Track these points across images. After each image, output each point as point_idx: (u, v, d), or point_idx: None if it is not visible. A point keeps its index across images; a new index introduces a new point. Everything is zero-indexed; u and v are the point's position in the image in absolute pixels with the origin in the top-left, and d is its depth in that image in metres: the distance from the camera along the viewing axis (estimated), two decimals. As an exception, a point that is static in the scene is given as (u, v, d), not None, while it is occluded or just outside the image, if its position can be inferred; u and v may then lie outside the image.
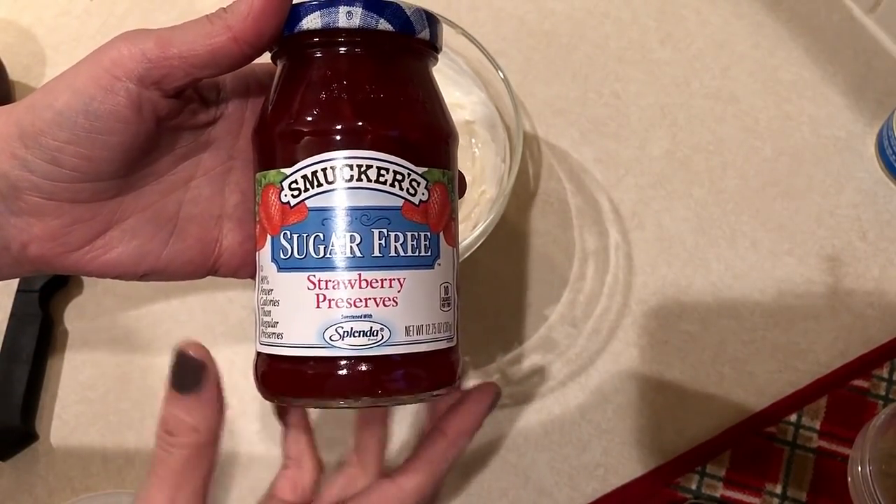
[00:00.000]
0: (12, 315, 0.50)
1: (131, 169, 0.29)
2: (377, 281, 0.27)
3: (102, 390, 0.49)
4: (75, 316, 0.52)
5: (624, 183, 0.55)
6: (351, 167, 0.27)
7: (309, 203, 0.27)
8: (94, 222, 0.29)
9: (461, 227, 0.50)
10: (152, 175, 0.30)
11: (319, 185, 0.27)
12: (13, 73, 0.59)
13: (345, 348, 0.27)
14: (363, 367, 0.27)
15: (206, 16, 0.27)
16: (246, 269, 0.33)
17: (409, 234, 0.27)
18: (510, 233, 0.53)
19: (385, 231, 0.27)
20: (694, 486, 0.46)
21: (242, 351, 0.50)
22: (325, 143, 0.27)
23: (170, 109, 0.28)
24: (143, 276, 0.31)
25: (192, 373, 0.28)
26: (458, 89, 0.52)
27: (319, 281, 0.27)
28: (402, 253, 0.27)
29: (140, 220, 0.30)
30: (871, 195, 0.54)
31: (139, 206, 0.30)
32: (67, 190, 0.28)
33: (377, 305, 0.27)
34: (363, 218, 0.27)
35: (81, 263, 0.30)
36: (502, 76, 0.48)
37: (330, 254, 0.27)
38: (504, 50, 0.59)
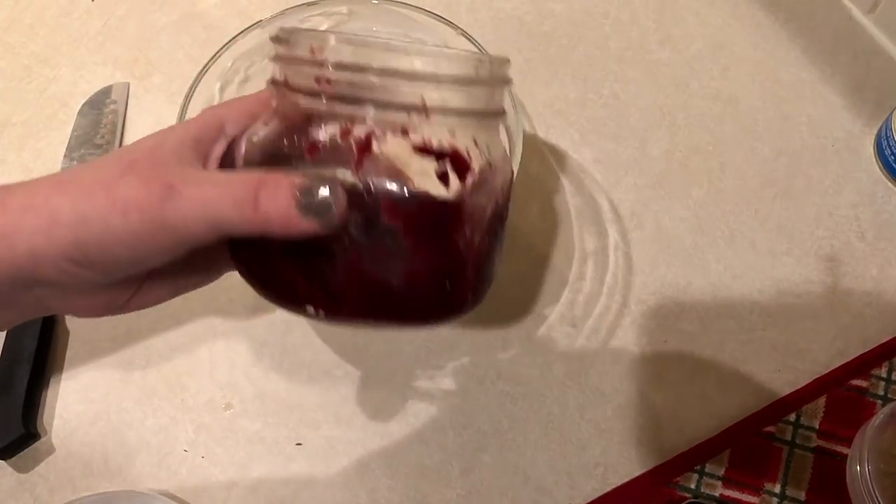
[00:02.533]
0: (14, 315, 0.50)
1: None
2: None
3: (103, 390, 0.50)
4: (76, 316, 0.52)
5: (623, 183, 0.55)
6: None
7: None
8: (131, 286, 0.32)
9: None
10: None
11: None
12: (15, 74, 0.59)
13: None
14: None
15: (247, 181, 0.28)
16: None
17: None
18: (510, 232, 0.53)
19: None
20: (693, 486, 0.46)
21: (243, 351, 0.50)
22: None
23: None
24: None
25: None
26: (457, 90, 0.52)
27: None
28: None
29: (165, 267, 0.33)
30: (869, 195, 0.54)
31: None
32: (113, 283, 0.31)
33: None
34: None
35: (125, 311, 0.33)
36: (502, 77, 0.49)
37: None
38: (504, 51, 0.59)
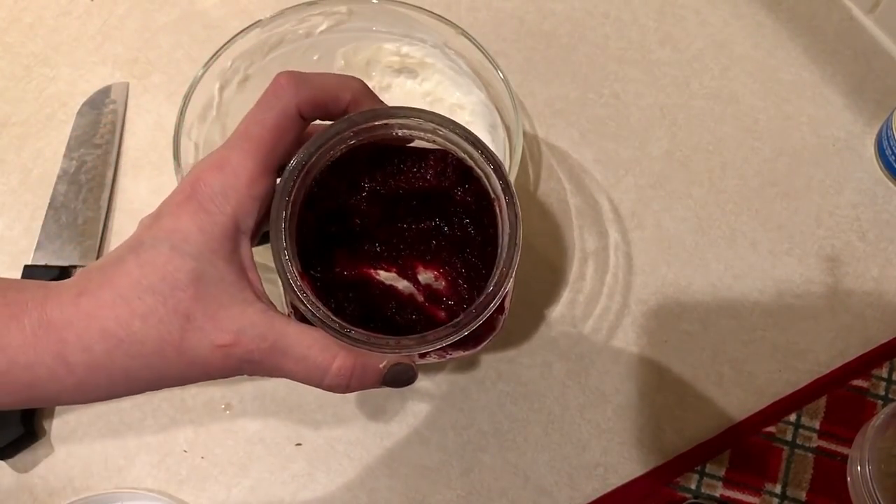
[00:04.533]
0: (13, 315, 0.50)
1: None
2: None
3: (103, 390, 0.50)
4: (76, 316, 0.52)
5: (623, 183, 0.55)
6: None
7: None
8: None
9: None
10: None
11: None
12: (15, 74, 0.59)
13: None
14: None
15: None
16: None
17: None
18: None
19: None
20: (693, 486, 0.46)
21: (243, 351, 0.50)
22: None
23: None
24: None
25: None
26: (458, 90, 0.52)
27: None
28: None
29: None
30: (870, 195, 0.54)
31: None
32: None
33: None
34: None
35: None
36: (502, 77, 0.49)
37: None
38: (504, 50, 0.60)
